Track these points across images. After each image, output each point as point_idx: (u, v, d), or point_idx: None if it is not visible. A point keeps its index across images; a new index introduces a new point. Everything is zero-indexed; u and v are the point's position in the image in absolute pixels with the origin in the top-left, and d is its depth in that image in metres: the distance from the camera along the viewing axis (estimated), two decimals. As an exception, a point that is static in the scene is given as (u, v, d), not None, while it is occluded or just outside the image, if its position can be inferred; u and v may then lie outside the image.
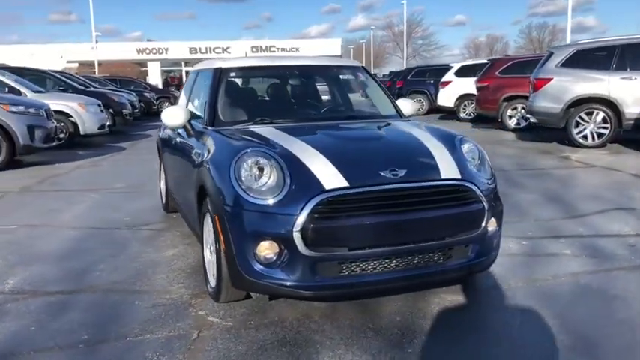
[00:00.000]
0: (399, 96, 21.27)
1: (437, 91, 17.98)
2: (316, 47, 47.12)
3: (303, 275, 2.95)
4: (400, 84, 21.09)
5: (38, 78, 14.63)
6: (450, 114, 17.63)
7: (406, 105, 4.55)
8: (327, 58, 5.26)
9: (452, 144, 3.51)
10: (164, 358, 2.77)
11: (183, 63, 45.88)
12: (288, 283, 2.97)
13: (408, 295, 3.45)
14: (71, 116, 11.96)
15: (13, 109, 9.11)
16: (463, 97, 16.79)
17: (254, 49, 45.78)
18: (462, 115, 16.91)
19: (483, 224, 3.23)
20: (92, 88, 15.79)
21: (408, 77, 21.26)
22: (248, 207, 2.98)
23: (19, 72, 13.93)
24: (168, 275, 3.93)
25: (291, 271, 2.96)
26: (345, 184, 2.99)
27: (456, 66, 17.95)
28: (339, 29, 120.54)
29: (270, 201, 2.96)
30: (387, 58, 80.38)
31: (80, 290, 3.69)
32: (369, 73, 4.75)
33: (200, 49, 45.31)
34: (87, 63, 40.17)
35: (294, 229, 2.88)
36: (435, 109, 18.84)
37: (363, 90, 4.80)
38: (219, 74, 4.28)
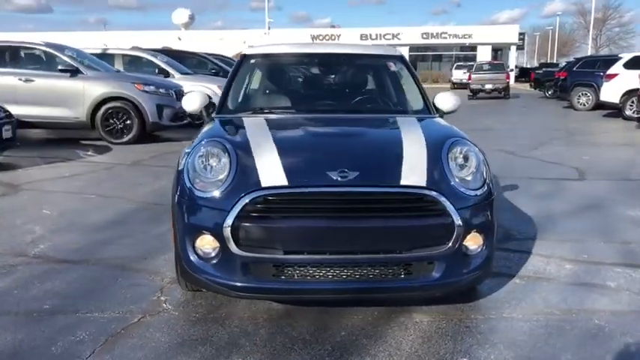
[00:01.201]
0: (562, 90, 19.48)
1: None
2: (492, 34, 44.85)
3: (235, 274, 2.82)
4: (563, 75, 19.23)
5: (198, 61, 15.87)
6: (614, 110, 15.70)
7: (445, 100, 4.11)
8: (365, 47, 4.92)
9: (438, 147, 3.09)
10: (89, 338, 2.83)
11: (353, 49, 46.57)
12: (220, 281, 2.86)
13: (379, 310, 3.13)
14: (210, 97, 12.78)
15: (146, 88, 9.97)
16: (631, 93, 14.81)
17: (424, 36, 44.91)
18: (628, 112, 14.94)
19: (452, 241, 2.81)
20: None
21: (574, 68, 19.28)
22: (191, 199, 2.91)
23: (179, 55, 15.24)
24: (172, 257, 4.01)
25: (224, 269, 2.84)
26: (283, 182, 2.79)
27: (627, 57, 15.88)
28: (532, 15, 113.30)
29: (215, 194, 2.85)
30: (578, 46, 73.86)
31: (84, 261, 3.93)
32: (406, 64, 4.36)
33: (370, 35, 45.61)
34: (264, 47, 42.50)
35: (224, 226, 2.75)
36: (600, 105, 16.90)
37: (396, 82, 4.43)
38: (241, 61, 4.24)
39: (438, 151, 3.06)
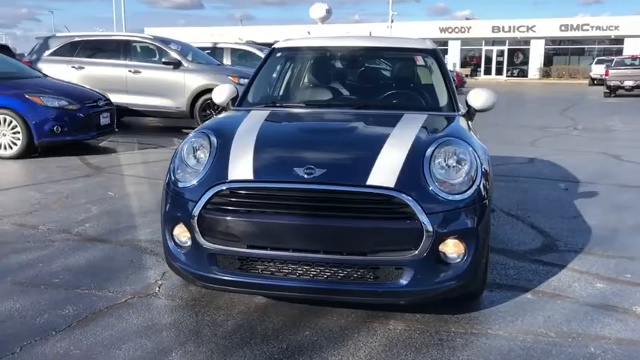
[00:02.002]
0: None
1: None
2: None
3: (203, 265, 2.87)
4: None
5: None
6: None
7: (477, 97, 3.85)
8: (396, 39, 4.66)
9: (423, 148, 2.91)
10: (73, 313, 3.02)
11: (483, 42, 44.81)
12: (190, 270, 2.93)
13: (357, 313, 3.03)
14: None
15: (241, 81, 10.34)
16: None
17: (563, 28, 41.99)
18: None
19: (420, 247, 2.64)
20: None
21: None
22: (172, 189, 3.00)
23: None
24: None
25: (194, 259, 2.91)
26: (249, 176, 2.79)
27: None
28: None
29: (190, 185, 2.92)
30: None
31: (114, 242, 4.19)
32: (437, 58, 4.12)
33: (503, 27, 43.53)
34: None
35: (191, 216, 2.82)
36: None
37: (422, 76, 4.21)
38: (269, 54, 4.27)
39: (421, 151, 2.88)
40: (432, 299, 2.91)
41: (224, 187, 2.78)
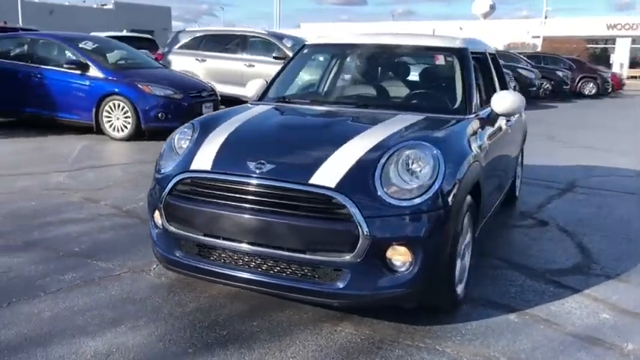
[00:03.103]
0: None
1: None
2: None
3: (169, 248, 3.06)
4: None
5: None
6: None
7: (501, 101, 3.63)
8: (423, 37, 4.36)
9: (382, 150, 2.83)
10: (69, 279, 3.37)
11: (656, 39, 40.33)
12: (160, 252, 3.13)
13: (315, 310, 3.04)
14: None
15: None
16: None
17: None
18: None
19: (356, 251, 2.59)
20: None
21: None
22: (155, 175, 3.23)
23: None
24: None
25: (164, 241, 3.10)
26: (207, 167, 2.91)
27: None
28: None
29: (166, 172, 3.12)
30: None
31: (129, 215, 4.54)
32: (462, 58, 3.87)
33: None
34: (551, 39, 39.67)
35: (160, 201, 3.02)
36: None
37: (441, 77, 3.99)
38: (300, 50, 4.34)
39: (380, 153, 2.80)
40: (373, 305, 2.83)
41: (185, 176, 2.94)
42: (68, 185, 5.65)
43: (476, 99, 3.67)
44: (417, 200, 2.67)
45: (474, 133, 3.35)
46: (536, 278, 3.62)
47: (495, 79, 4.53)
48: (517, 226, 4.78)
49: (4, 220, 4.46)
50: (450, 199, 2.76)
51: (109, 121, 8.41)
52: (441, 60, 4.08)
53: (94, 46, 9.16)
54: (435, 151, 2.81)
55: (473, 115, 3.54)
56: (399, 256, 2.67)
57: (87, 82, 8.53)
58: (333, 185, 2.65)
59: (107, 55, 9.30)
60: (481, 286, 3.43)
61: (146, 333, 2.79)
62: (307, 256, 2.68)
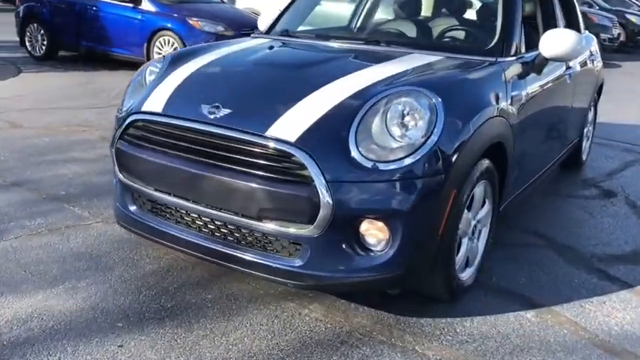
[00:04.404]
0: None
1: None
2: None
3: (124, 200, 2.64)
4: None
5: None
6: None
7: (552, 41, 2.86)
8: None
9: (365, 97, 2.23)
10: (40, 224, 3.07)
11: None
12: (116, 205, 2.72)
13: (284, 289, 2.55)
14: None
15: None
16: None
17: None
18: None
19: (317, 223, 2.05)
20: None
21: None
22: (116, 114, 2.77)
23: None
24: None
25: (119, 193, 2.69)
26: (159, 109, 2.43)
27: None
28: None
29: (124, 112, 2.67)
30: None
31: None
32: None
33: None
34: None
35: (111, 146, 2.59)
36: None
37: (481, 11, 3.22)
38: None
39: (360, 102, 2.20)
40: (339, 289, 2.30)
41: (136, 118, 2.47)
42: (92, 122, 5.38)
43: (518, 38, 2.92)
44: (402, 163, 2.07)
45: (507, 81, 2.64)
46: (577, 264, 2.94)
47: (559, 16, 3.69)
48: (575, 196, 4.00)
49: (9, 155, 4.24)
50: (449, 162, 2.14)
51: (160, 58, 8.12)
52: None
53: (150, -23, 8.79)
54: (433, 100, 2.17)
55: (512, 58, 2.82)
56: (375, 233, 2.11)
57: (139, 16, 8.22)
58: (292, 139, 2.09)
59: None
60: (502, 271, 2.80)
61: (81, 297, 2.42)
62: (263, 225, 2.16)
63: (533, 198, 3.63)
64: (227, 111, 2.25)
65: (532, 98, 2.86)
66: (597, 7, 15.84)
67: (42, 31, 8.95)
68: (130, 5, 8.25)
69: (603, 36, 13.46)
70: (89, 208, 3.34)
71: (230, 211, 2.20)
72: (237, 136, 2.17)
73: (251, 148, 2.15)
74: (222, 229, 2.30)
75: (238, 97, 2.35)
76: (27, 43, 9.17)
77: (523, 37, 3.01)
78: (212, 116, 2.25)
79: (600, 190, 4.15)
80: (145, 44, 8.15)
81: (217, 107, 2.27)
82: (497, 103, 2.49)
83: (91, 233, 3.01)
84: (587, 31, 4.47)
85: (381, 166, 2.06)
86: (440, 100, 2.18)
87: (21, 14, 9.18)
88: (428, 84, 2.28)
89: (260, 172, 2.11)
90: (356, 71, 2.46)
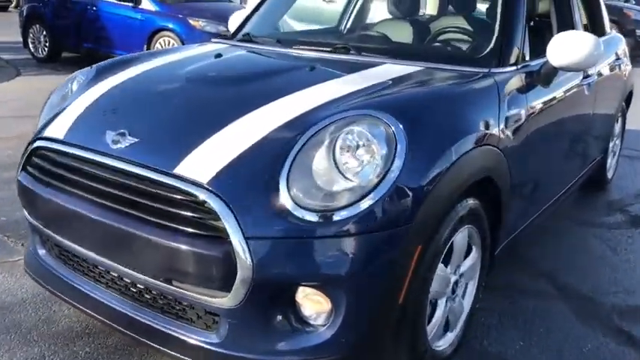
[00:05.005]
0: None
1: None
2: None
3: (34, 244, 2.19)
4: None
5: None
6: None
7: (564, 46, 2.29)
8: None
9: (306, 125, 1.72)
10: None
11: None
12: (28, 247, 2.28)
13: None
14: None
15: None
16: None
17: None
18: None
19: (234, 289, 1.57)
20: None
21: None
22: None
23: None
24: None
25: (31, 235, 2.24)
26: (60, 134, 1.97)
27: None
28: None
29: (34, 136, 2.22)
30: None
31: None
32: None
33: None
34: None
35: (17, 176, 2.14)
36: None
37: (475, 8, 2.68)
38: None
39: (296, 132, 1.70)
40: None
41: (38, 145, 2.02)
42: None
43: (520, 43, 2.37)
44: (347, 212, 1.57)
45: (502, 97, 2.11)
46: (593, 320, 2.39)
47: (578, 15, 3.11)
48: (596, 224, 3.42)
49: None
50: (413, 209, 1.63)
51: (160, 60, 7.73)
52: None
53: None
54: (392, 128, 1.66)
55: (511, 69, 2.27)
56: (311, 304, 1.62)
57: (139, 16, 7.85)
58: (205, 179, 1.61)
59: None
60: (496, 331, 2.27)
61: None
62: (172, 289, 1.68)
63: (544, 227, 3.08)
64: (133, 140, 1.78)
65: (537, 116, 2.33)
66: (634, 2, 14.86)
67: (44, 33, 8.66)
68: (131, 5, 7.88)
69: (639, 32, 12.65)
70: (26, 239, 2.90)
71: (134, 268, 1.73)
72: (138, 173, 1.69)
73: (154, 190, 1.67)
74: (131, 289, 1.83)
75: (150, 122, 1.88)
76: (30, 45, 8.90)
77: (528, 41, 2.46)
78: (115, 146, 1.79)
79: (627, 215, 3.57)
80: (145, 45, 7.78)
81: (123, 135, 1.80)
82: (487, 127, 1.97)
83: (13, 273, 2.58)
84: (613, 31, 3.88)
85: (320, 217, 1.57)
86: (401, 127, 1.67)
87: (24, 15, 8.93)
88: (388, 106, 1.76)
89: (164, 222, 1.64)
90: (303, 89, 1.95)
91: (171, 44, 7.57)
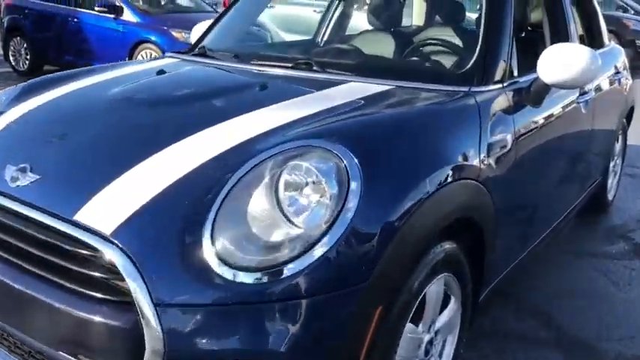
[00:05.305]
0: None
1: None
2: None
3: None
4: None
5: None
6: None
7: (556, 61, 1.98)
8: None
9: (242, 158, 1.42)
10: None
11: None
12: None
13: None
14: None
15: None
16: None
17: None
18: None
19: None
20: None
21: None
22: None
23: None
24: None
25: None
26: (-41, 167, 1.67)
27: None
28: None
29: None
30: None
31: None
32: None
33: None
34: None
35: None
36: None
37: (457, 18, 2.39)
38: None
39: (230, 167, 1.40)
40: None
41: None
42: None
43: (507, 57, 2.07)
44: (292, 267, 1.26)
45: (484, 120, 1.81)
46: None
47: (573, 25, 2.81)
48: (596, 254, 3.11)
49: None
50: (371, 262, 1.33)
51: (141, 73, 7.46)
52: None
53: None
54: (344, 163, 1.36)
55: (495, 87, 1.97)
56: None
57: (120, 28, 7.59)
58: (109, 229, 1.30)
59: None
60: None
61: None
62: (82, 362, 1.37)
63: (536, 258, 2.77)
64: (33, 177, 1.48)
65: (526, 140, 2.03)
66: (633, 12, 14.61)
67: (25, 45, 8.40)
68: (112, 16, 7.62)
69: (639, 42, 12.38)
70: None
71: (33, 336, 1.42)
72: (34, 218, 1.39)
73: (51, 240, 1.36)
74: (35, 356, 1.51)
75: (57, 154, 1.58)
76: (10, 58, 8.64)
77: (516, 54, 2.17)
78: (14, 184, 1.49)
79: (630, 243, 3.25)
80: (127, 58, 7.51)
81: (24, 170, 1.50)
82: (465, 157, 1.66)
83: None
84: (612, 42, 3.58)
85: (253, 276, 1.26)
86: (356, 161, 1.36)
87: (4, 27, 8.67)
88: (342, 135, 1.46)
89: (62, 281, 1.33)
90: (246, 113, 1.65)
91: (153, 56, 7.29)
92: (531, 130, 2.07)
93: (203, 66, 2.30)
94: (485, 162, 1.74)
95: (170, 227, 1.31)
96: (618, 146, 3.65)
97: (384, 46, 2.55)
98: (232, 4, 2.87)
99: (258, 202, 1.34)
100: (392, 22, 2.88)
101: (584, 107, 2.60)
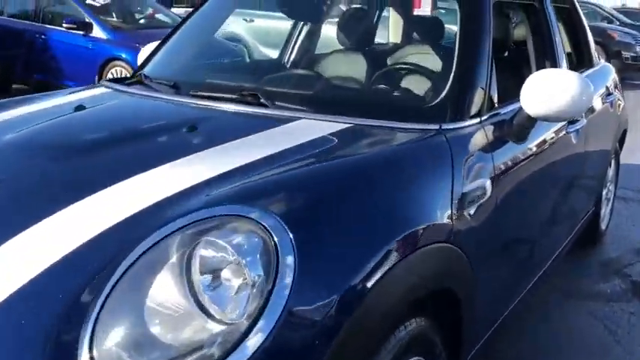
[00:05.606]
0: None
1: None
2: None
3: None
4: None
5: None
6: None
7: (544, 89, 1.66)
8: None
9: (141, 233, 1.10)
10: None
11: None
12: None
13: None
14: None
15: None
16: None
17: None
18: None
19: None
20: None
21: None
22: None
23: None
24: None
25: None
26: None
27: None
28: None
29: None
30: None
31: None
32: (475, 5, 1.95)
33: None
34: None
35: None
36: None
37: (428, 41, 2.11)
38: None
39: (127, 240, 1.09)
40: None
41: None
42: None
43: (485, 85, 1.78)
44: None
45: (457, 164, 1.51)
46: None
47: (561, 45, 2.53)
48: (589, 296, 2.81)
49: None
50: (320, 348, 1.02)
51: (112, 91, 7.15)
52: (428, 9, 2.17)
53: (106, 1, 7.89)
54: (274, 239, 1.05)
55: (471, 122, 1.68)
56: None
57: (89, 45, 7.28)
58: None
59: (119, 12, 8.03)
60: None
61: None
62: None
63: (522, 301, 2.47)
64: None
65: (508, 182, 1.74)
66: (618, 23, 14.49)
67: (-8, 63, 8.06)
68: (81, 33, 7.31)
69: (625, 54, 12.14)
70: None
71: None
72: None
73: None
74: None
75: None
76: (-21, 76, 8.29)
77: (496, 79, 1.87)
78: None
79: (627, 281, 2.96)
80: (96, 76, 7.18)
81: None
82: (434, 215, 1.36)
83: None
84: (602, 60, 3.32)
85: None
86: (291, 236, 1.05)
87: (-27, 43, 8.34)
88: (275, 199, 1.15)
89: None
90: (162, 165, 1.34)
91: (123, 74, 6.98)
92: (514, 170, 1.78)
93: (133, 99, 1.98)
94: (460, 218, 1.44)
95: (38, 329, 0.99)
96: (611, 171, 3.37)
97: (352, 69, 2.25)
98: (182, 22, 2.57)
99: (162, 290, 1.03)
100: (365, 40, 2.59)
101: (575, 137, 2.32)
